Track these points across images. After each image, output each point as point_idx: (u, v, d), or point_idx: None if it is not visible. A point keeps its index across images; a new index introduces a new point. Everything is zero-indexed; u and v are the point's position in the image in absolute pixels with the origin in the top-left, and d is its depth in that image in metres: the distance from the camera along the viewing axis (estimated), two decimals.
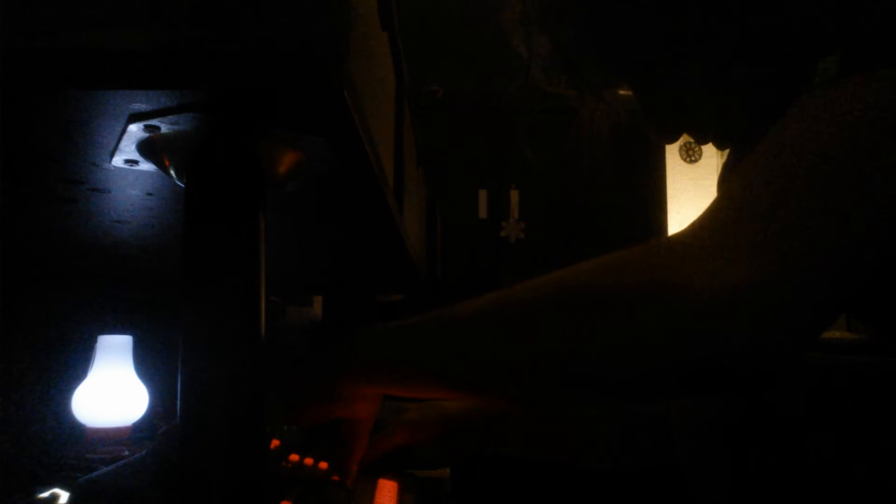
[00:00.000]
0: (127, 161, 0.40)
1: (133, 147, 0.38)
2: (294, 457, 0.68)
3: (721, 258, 0.39)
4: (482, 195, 2.76)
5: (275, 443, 0.72)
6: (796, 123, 0.43)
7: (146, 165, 0.40)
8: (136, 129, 0.35)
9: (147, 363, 1.07)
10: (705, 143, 0.60)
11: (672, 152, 2.94)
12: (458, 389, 0.52)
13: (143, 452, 0.47)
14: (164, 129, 0.36)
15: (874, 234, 0.40)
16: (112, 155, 0.39)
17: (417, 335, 0.52)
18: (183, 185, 0.39)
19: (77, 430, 0.98)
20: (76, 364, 1.02)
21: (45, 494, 0.66)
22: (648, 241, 0.44)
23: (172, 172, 0.40)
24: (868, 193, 0.40)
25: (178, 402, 0.38)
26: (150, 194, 0.49)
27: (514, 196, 2.75)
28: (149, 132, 0.36)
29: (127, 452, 0.96)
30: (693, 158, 2.98)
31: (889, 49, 0.42)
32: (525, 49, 0.63)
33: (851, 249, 0.39)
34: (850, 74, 0.43)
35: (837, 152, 0.41)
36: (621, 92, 0.66)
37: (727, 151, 0.64)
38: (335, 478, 0.67)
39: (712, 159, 2.95)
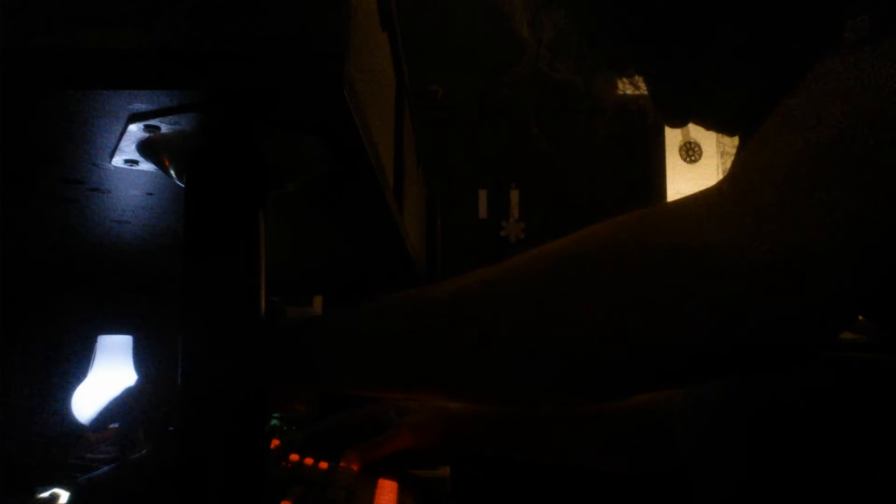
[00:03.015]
0: (127, 161, 0.40)
1: (133, 147, 0.38)
2: (294, 457, 0.68)
3: (751, 220, 0.36)
4: (482, 195, 2.76)
5: (275, 443, 0.72)
6: (822, 86, 0.40)
7: (146, 165, 0.40)
8: (136, 129, 0.35)
9: (147, 363, 1.06)
10: (714, 129, 0.58)
11: (672, 152, 2.94)
12: (428, 391, 0.46)
13: (143, 452, 0.47)
14: (164, 129, 0.36)
15: None
16: (112, 155, 0.39)
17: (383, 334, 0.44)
18: (183, 185, 0.39)
19: (77, 430, 0.98)
20: (76, 364, 1.02)
21: (45, 494, 0.65)
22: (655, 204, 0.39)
23: (172, 172, 0.40)
24: None
25: (179, 402, 0.38)
26: (150, 194, 0.49)
27: (514, 196, 2.75)
28: (149, 132, 0.36)
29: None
30: (693, 158, 2.98)
31: None
32: (530, 32, 0.62)
33: (882, 222, 0.36)
34: (882, 36, 0.39)
35: (868, 117, 0.37)
36: (622, 92, 0.65)
37: (726, 151, 0.63)
38: (342, 463, 0.68)
39: (712, 159, 2.95)
